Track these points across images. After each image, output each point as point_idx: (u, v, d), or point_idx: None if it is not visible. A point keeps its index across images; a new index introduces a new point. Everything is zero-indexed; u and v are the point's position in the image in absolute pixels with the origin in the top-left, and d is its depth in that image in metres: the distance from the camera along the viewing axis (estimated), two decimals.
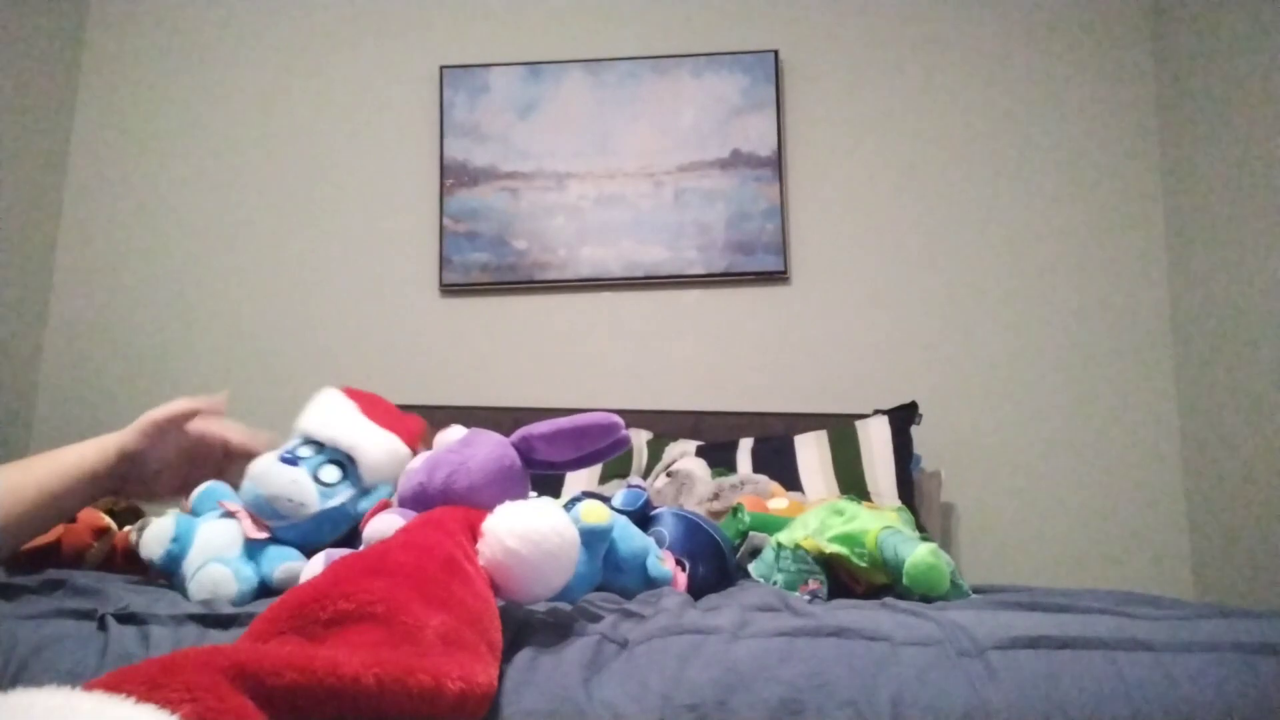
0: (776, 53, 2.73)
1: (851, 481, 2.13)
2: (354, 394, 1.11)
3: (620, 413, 2.60)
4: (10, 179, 2.60)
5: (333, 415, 1.05)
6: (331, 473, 1.02)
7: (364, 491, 1.03)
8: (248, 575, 0.95)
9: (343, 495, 1.01)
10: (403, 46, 2.85)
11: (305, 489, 0.99)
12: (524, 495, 1.00)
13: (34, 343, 2.71)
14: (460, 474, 0.94)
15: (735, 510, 1.30)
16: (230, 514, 1.02)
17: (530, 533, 0.82)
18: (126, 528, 1.31)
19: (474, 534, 0.84)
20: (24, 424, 2.67)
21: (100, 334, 2.74)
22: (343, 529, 1.02)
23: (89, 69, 2.88)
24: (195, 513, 1.05)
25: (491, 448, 0.97)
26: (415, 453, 1.08)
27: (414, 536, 0.78)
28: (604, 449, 1.01)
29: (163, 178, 2.83)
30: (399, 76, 2.83)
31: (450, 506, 0.89)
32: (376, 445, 1.04)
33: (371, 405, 1.09)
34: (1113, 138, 2.68)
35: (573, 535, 0.84)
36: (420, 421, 1.12)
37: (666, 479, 1.91)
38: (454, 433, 1.05)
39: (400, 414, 1.12)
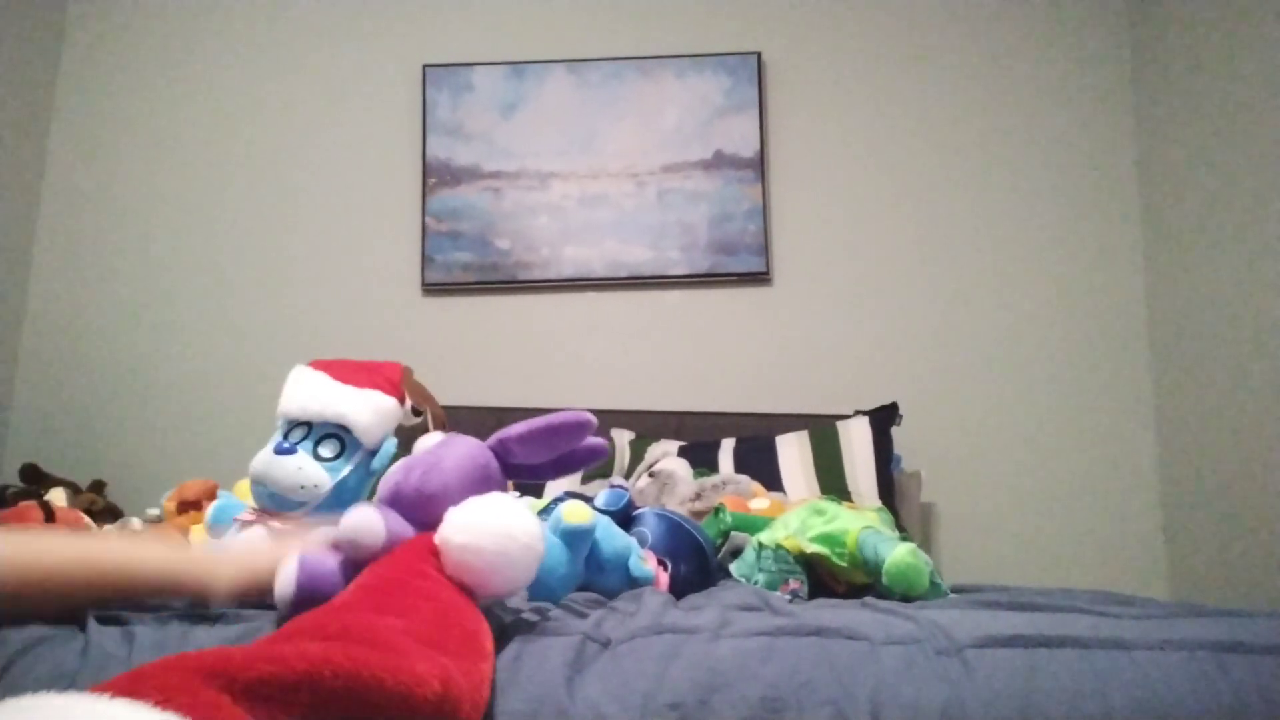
0: (759, 54, 2.74)
1: (832, 482, 2.14)
2: (323, 365, 1.11)
3: (603, 413, 2.60)
4: None
5: (310, 392, 1.05)
6: (330, 446, 1.03)
7: (371, 452, 1.04)
8: None
9: (350, 463, 1.02)
10: (386, 45, 2.84)
11: (312, 472, 1.00)
12: None
13: (9, 351, 2.69)
14: (433, 474, 0.94)
15: (717, 510, 1.31)
16: (249, 523, 1.03)
17: (474, 526, 0.82)
18: (106, 527, 1.30)
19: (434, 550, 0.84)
20: None
21: (79, 332, 2.72)
22: (364, 491, 1.04)
23: (67, 68, 2.85)
24: (213, 533, 1.06)
25: (466, 449, 0.97)
26: (402, 400, 1.08)
27: (359, 599, 0.76)
28: (580, 453, 1.01)
29: (142, 176, 2.80)
30: (382, 75, 2.82)
31: (412, 538, 0.87)
32: (362, 408, 1.04)
33: (343, 370, 1.09)
34: (1091, 141, 2.71)
35: (525, 526, 0.83)
36: (395, 367, 1.12)
37: (649, 479, 1.92)
38: (432, 438, 1.05)
39: (373, 367, 1.12)
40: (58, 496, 1.81)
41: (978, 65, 2.76)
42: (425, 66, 2.76)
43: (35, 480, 2.31)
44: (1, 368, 2.65)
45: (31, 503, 1.31)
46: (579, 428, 0.99)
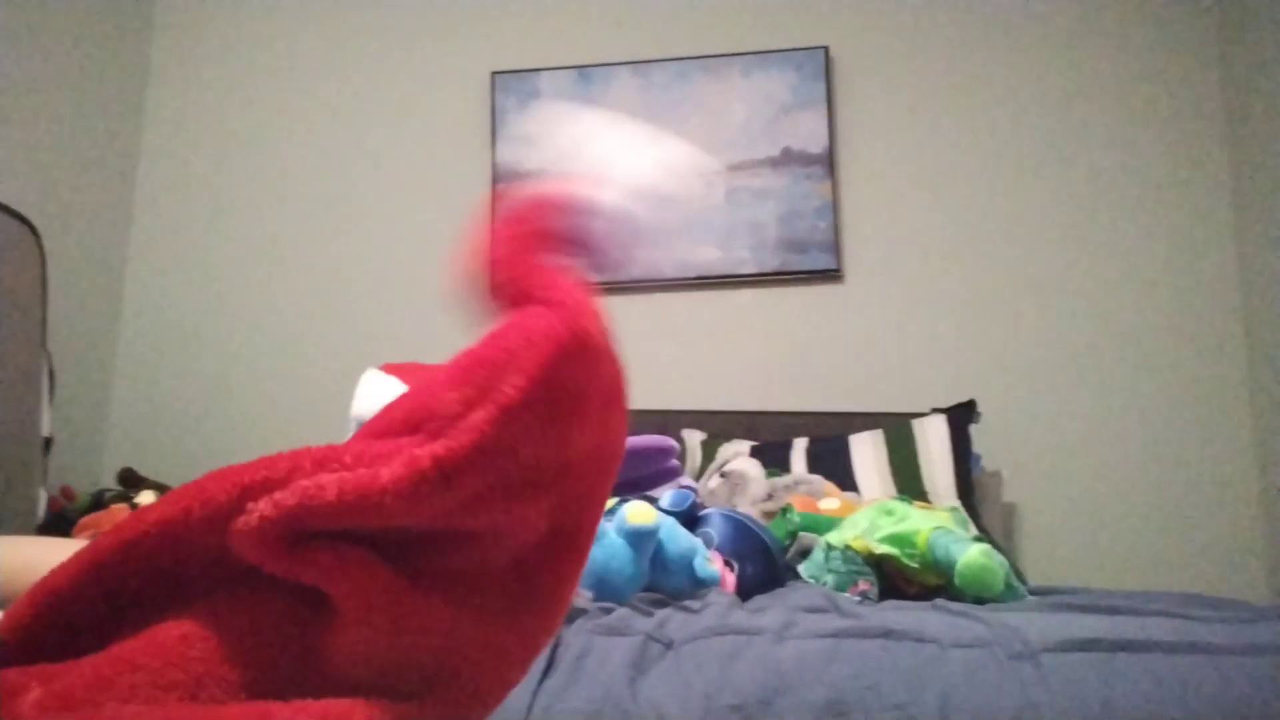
0: (826, 49, 2.70)
1: (909, 481, 2.10)
2: (395, 368, 1.13)
3: (673, 413, 2.58)
4: (80, 192, 2.70)
5: (380, 396, 1.07)
6: None
7: None
8: None
9: None
10: (455, 53, 2.89)
11: None
12: None
13: (107, 358, 2.81)
14: None
15: (784, 510, 1.30)
16: None
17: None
18: None
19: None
20: (97, 445, 2.77)
21: (171, 341, 2.83)
22: None
23: (155, 83, 2.98)
24: None
25: None
26: None
27: None
28: (655, 474, 1.01)
29: (224, 186, 2.91)
30: (452, 83, 2.87)
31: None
32: None
33: (412, 374, 1.11)
34: (1176, 126, 2.60)
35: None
36: None
37: (720, 479, 1.91)
38: None
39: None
40: (147, 499, 1.88)
41: (1055, 52, 2.67)
42: (494, 74, 2.80)
43: (132, 484, 2.40)
44: (100, 375, 2.77)
45: (122, 505, 1.37)
46: (661, 453, 0.98)
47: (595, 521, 0.47)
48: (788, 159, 2.66)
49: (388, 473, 0.36)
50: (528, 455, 0.39)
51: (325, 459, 0.38)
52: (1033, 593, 1.15)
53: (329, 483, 0.36)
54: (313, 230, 2.86)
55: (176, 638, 0.35)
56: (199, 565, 0.38)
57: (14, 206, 1.87)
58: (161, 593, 0.37)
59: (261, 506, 0.36)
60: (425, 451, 0.37)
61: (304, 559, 0.36)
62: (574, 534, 0.45)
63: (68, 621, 0.37)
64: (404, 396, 0.44)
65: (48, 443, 1.98)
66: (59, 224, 2.53)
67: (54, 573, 0.38)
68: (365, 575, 0.37)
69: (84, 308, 2.70)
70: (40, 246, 1.96)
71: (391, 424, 0.42)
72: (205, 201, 2.91)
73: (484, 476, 0.38)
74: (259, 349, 2.81)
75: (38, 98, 2.51)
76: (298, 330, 2.80)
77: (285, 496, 0.36)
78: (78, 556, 0.38)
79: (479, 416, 0.38)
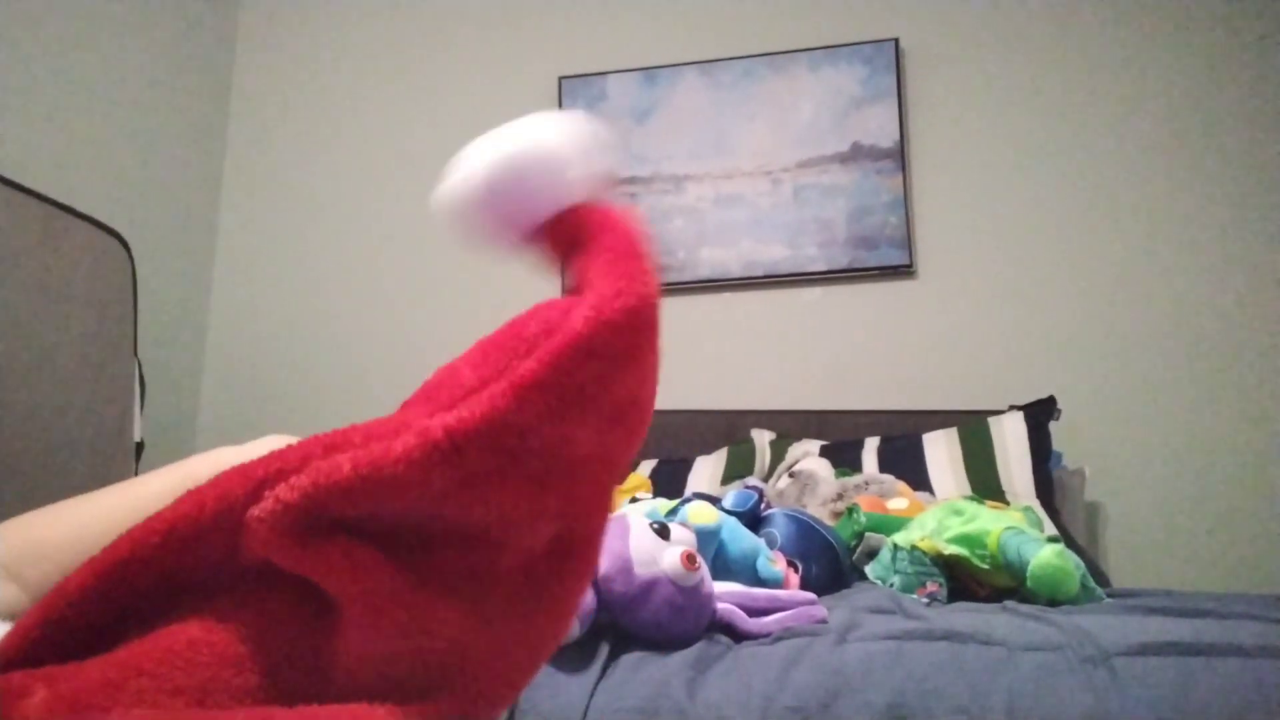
0: (896, 41, 2.65)
1: (985, 480, 2.05)
2: None
3: (743, 413, 2.56)
4: (168, 206, 2.81)
5: None
6: None
7: None
8: None
9: None
10: (522, 60, 2.92)
11: None
12: None
13: (193, 374, 2.92)
14: None
15: (850, 510, 1.28)
16: None
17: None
18: None
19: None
20: (186, 449, 2.88)
21: (256, 341, 2.93)
22: None
23: (237, 100, 3.09)
24: None
25: None
26: None
27: None
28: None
29: (305, 196, 2.99)
30: (520, 89, 2.91)
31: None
32: None
33: None
34: (1265, 118, 2.48)
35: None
36: None
37: (789, 479, 1.89)
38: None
39: None
40: None
41: (1133, 41, 2.58)
42: (561, 79, 2.83)
43: None
44: (189, 382, 2.88)
45: None
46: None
47: (600, 533, 0.46)
48: (857, 154, 2.62)
49: (400, 444, 0.36)
50: (535, 443, 0.39)
51: (336, 443, 0.38)
52: (1114, 595, 1.11)
53: (343, 460, 0.36)
54: (390, 237, 2.92)
55: (184, 642, 0.34)
56: (208, 567, 0.37)
57: (105, 221, 1.95)
58: (170, 594, 0.37)
59: (278, 491, 0.35)
60: (437, 421, 0.37)
61: (314, 554, 0.35)
62: (579, 542, 0.45)
63: (77, 624, 0.36)
64: (427, 381, 0.45)
65: (139, 447, 2.07)
66: (148, 237, 2.63)
67: (68, 580, 0.37)
68: (372, 575, 0.36)
69: (173, 317, 2.81)
70: (130, 259, 2.04)
71: (409, 403, 0.43)
72: (286, 213, 3.00)
73: (494, 455, 0.37)
74: (340, 352, 2.88)
75: (125, 116, 2.63)
76: (378, 334, 2.87)
77: (301, 479, 0.35)
78: (92, 561, 0.37)
79: (492, 390, 0.38)
